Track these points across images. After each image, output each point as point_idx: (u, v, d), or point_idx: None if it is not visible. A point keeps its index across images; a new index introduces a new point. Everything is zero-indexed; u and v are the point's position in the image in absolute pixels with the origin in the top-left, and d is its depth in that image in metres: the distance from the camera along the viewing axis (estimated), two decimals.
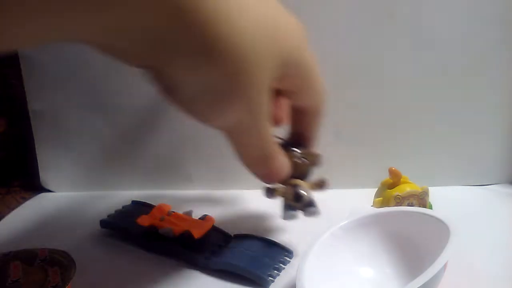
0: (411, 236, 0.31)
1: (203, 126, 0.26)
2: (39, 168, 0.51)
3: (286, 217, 0.34)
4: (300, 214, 0.34)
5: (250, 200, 0.48)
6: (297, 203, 0.33)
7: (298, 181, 0.34)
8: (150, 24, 0.19)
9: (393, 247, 0.32)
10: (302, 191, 0.33)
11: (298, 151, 0.34)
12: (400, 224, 0.32)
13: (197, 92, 0.22)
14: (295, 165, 0.33)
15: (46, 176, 0.51)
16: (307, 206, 0.33)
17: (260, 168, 0.29)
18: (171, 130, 0.49)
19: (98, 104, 0.49)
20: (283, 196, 0.34)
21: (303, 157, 0.34)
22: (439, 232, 0.29)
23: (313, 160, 0.35)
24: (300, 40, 0.27)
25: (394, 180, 0.41)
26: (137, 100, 0.48)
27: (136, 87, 0.47)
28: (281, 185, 0.33)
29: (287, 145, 0.33)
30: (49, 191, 0.51)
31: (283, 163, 0.30)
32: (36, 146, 0.50)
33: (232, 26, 0.21)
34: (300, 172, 0.34)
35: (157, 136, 0.50)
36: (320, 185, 0.34)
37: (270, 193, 0.33)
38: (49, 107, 0.49)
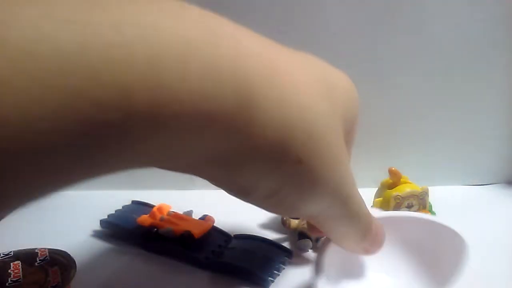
0: (425, 245, 0.31)
1: None
2: None
3: (300, 246, 0.37)
4: (312, 245, 0.37)
5: None
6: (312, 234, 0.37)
7: None
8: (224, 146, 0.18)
9: (407, 254, 0.31)
10: None
11: None
12: (414, 231, 0.31)
13: (275, 188, 0.20)
14: None
15: None
16: (320, 236, 0.36)
17: (363, 244, 0.27)
18: None
19: None
20: (298, 227, 0.38)
21: None
22: (454, 243, 0.29)
23: None
24: (355, 98, 0.25)
25: (394, 180, 0.41)
26: None
27: None
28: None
29: None
30: None
31: (379, 227, 0.27)
32: None
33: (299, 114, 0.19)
34: None
35: None
36: None
37: (286, 224, 0.38)
38: None
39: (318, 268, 0.28)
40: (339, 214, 0.23)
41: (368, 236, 0.26)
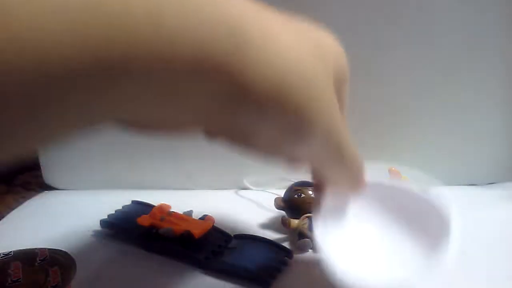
0: (412, 211, 0.32)
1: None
2: (41, 166, 0.51)
3: (300, 246, 0.37)
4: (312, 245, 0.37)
5: (250, 199, 0.48)
6: (312, 233, 0.36)
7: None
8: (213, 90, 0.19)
9: (396, 216, 0.32)
10: None
11: (312, 188, 0.39)
12: (402, 199, 0.32)
13: (276, 133, 0.22)
14: (310, 201, 0.39)
15: (48, 174, 0.52)
16: None
17: (353, 182, 0.29)
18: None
19: None
20: (298, 227, 0.38)
21: None
22: (440, 216, 0.30)
23: None
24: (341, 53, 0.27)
25: None
26: None
27: None
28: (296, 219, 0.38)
29: (302, 184, 0.40)
30: (52, 188, 0.51)
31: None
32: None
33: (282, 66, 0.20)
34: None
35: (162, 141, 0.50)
36: None
37: (286, 224, 0.38)
38: None
39: (316, 214, 0.29)
40: (333, 155, 0.25)
41: (359, 180, 0.28)
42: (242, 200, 0.48)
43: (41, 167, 0.51)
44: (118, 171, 0.51)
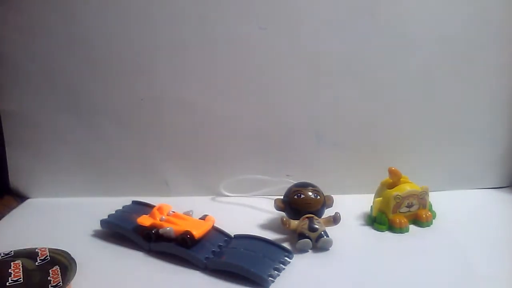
0: None
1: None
2: (9, 172, 0.49)
3: (299, 246, 0.37)
4: (312, 245, 0.37)
5: (249, 200, 0.48)
6: (311, 233, 0.37)
7: (313, 215, 0.38)
8: None
9: None
10: (316, 223, 0.38)
11: (312, 189, 0.41)
12: None
13: None
14: (310, 201, 0.40)
15: (16, 181, 0.49)
16: (320, 236, 0.37)
17: None
18: (148, 132, 0.48)
19: (73, 106, 0.47)
20: (298, 228, 0.38)
21: (316, 195, 0.40)
22: None
23: (326, 200, 0.41)
24: None
25: (394, 180, 0.41)
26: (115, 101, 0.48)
27: (113, 89, 0.47)
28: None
29: (302, 185, 0.41)
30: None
31: None
32: (6, 150, 0.48)
33: None
34: (315, 208, 0.40)
35: (137, 139, 0.49)
36: (333, 220, 0.39)
37: (286, 225, 0.38)
38: (21, 108, 0.47)
39: None
40: None
41: None
42: (242, 200, 0.48)
43: (9, 177, 0.49)
44: (96, 180, 0.49)
